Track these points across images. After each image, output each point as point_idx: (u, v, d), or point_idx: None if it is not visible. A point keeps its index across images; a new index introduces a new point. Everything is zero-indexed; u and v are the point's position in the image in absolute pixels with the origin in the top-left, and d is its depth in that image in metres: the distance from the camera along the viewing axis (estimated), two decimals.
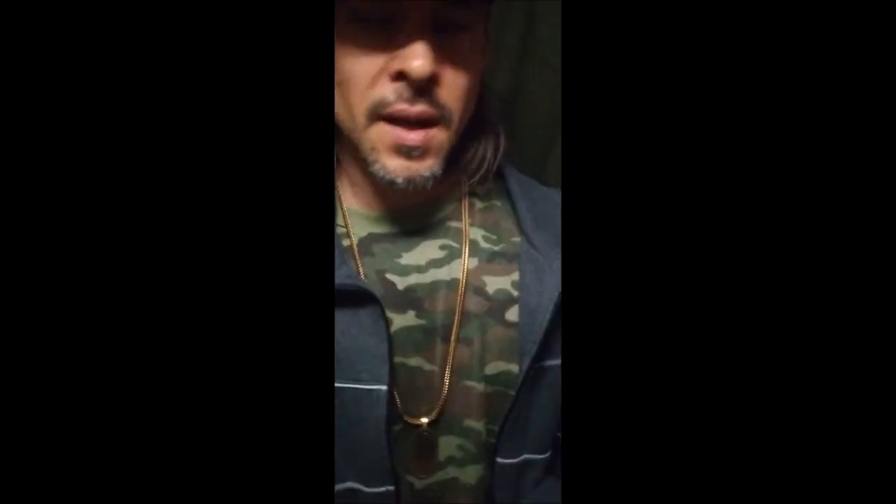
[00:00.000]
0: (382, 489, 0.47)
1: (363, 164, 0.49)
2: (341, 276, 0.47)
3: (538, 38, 1.00)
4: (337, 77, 0.47)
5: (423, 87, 0.44)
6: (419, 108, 0.45)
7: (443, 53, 0.44)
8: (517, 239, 0.52)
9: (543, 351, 0.48)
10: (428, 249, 0.51)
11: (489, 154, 0.52)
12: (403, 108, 0.45)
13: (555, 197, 0.56)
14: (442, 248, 0.51)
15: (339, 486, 0.47)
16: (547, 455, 0.51)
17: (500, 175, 0.55)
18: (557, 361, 0.49)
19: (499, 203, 0.55)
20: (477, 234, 0.52)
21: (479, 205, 0.54)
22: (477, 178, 0.52)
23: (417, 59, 0.42)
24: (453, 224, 0.52)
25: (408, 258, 0.51)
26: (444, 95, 0.46)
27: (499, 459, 0.49)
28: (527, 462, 0.50)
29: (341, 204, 0.53)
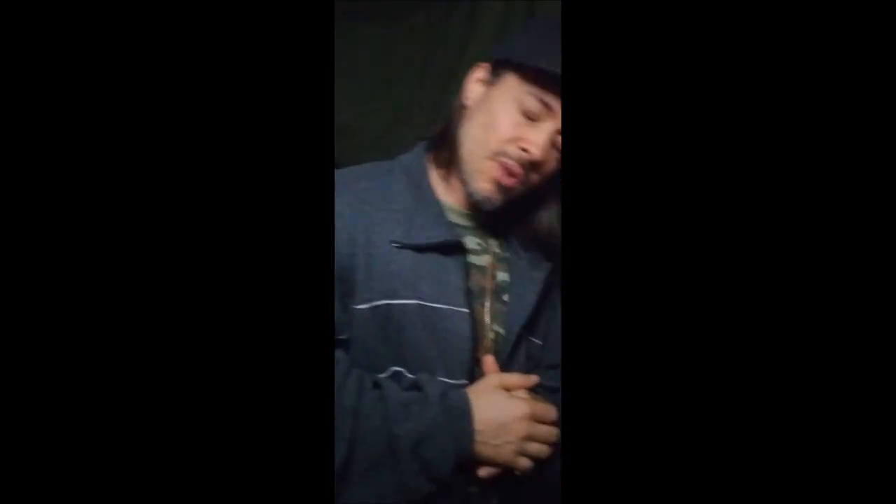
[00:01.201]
0: (462, 381, 0.69)
1: (462, 177, 0.75)
2: (453, 235, 0.73)
3: None
4: (485, 120, 0.73)
5: (532, 164, 0.71)
6: (518, 168, 0.71)
7: (549, 150, 0.71)
8: (507, 254, 0.79)
9: (529, 327, 0.77)
10: (471, 242, 0.77)
11: (540, 231, 0.79)
12: (509, 162, 0.71)
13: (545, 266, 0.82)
14: (478, 244, 0.77)
15: (431, 378, 0.69)
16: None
17: None
18: (536, 340, 0.79)
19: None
20: (495, 242, 0.79)
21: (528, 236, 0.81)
22: (525, 239, 0.80)
23: (539, 147, 0.70)
24: (482, 231, 0.79)
25: (467, 241, 0.76)
26: (534, 174, 0.73)
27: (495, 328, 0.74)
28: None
29: (443, 191, 0.79)
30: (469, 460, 0.66)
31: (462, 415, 0.65)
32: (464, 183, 0.75)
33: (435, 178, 0.79)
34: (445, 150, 0.78)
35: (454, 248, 0.72)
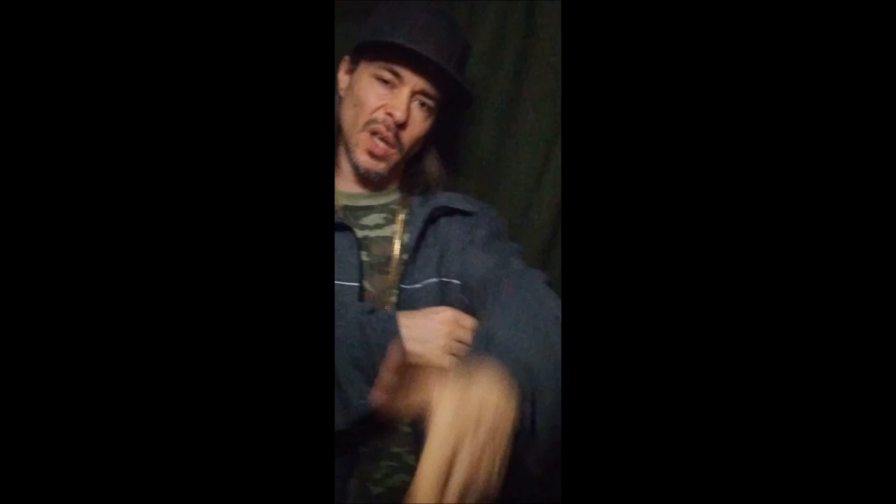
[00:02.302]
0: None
1: (348, 156, 0.85)
2: (337, 217, 0.81)
3: (538, 40, 1.01)
4: (353, 100, 0.83)
5: (398, 126, 0.81)
6: (387, 133, 0.81)
7: (413, 113, 0.81)
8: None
9: (410, 275, 0.81)
10: (376, 218, 0.86)
11: (430, 182, 0.89)
12: (378, 127, 0.81)
13: (450, 194, 0.90)
14: (384, 218, 0.86)
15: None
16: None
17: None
18: (423, 283, 0.82)
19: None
20: (404, 214, 0.87)
21: (408, 196, 0.89)
22: (416, 190, 0.89)
23: (400, 110, 0.79)
24: (393, 206, 0.87)
25: (364, 221, 0.85)
26: (405, 136, 0.82)
27: (402, 286, 0.81)
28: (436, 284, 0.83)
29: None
30: (401, 357, 0.59)
31: (389, 317, 0.73)
32: (350, 162, 0.85)
33: (341, 169, 0.89)
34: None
35: (344, 232, 0.81)
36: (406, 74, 0.79)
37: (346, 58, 0.87)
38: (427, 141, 0.86)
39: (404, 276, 0.82)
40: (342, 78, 0.87)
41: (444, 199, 0.87)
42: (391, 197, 0.88)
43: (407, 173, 0.89)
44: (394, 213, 0.87)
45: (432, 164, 0.89)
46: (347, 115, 0.84)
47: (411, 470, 0.72)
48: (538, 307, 0.67)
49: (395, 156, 0.82)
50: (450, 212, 0.86)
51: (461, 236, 0.85)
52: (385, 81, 0.80)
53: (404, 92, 0.79)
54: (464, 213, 0.86)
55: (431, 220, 0.85)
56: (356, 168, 0.84)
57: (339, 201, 0.87)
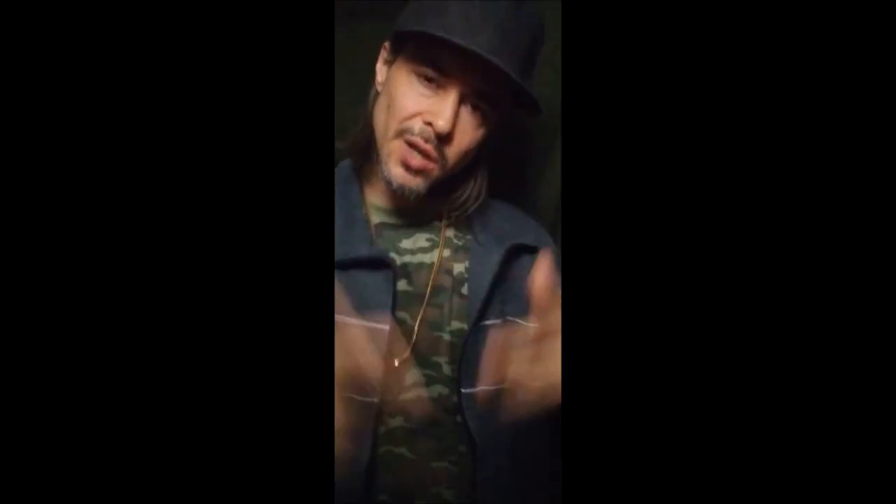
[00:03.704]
0: (370, 399, 0.64)
1: (380, 166, 0.69)
2: (366, 250, 0.67)
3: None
4: (388, 101, 0.67)
5: (439, 138, 0.64)
6: (427, 145, 0.65)
7: (461, 122, 0.64)
8: (469, 236, 0.73)
9: (482, 314, 0.68)
10: (419, 240, 0.72)
11: (468, 203, 0.73)
12: (417, 138, 0.65)
13: (501, 209, 0.77)
14: (427, 240, 0.72)
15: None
16: (498, 388, 0.64)
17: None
18: (493, 321, 0.68)
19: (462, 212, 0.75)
20: (450, 233, 0.73)
21: (455, 212, 0.75)
22: (454, 214, 0.73)
23: (444, 119, 0.62)
24: (436, 223, 0.74)
25: (406, 244, 0.71)
26: (450, 149, 0.66)
27: (462, 390, 0.67)
28: (483, 391, 0.67)
29: (367, 196, 0.73)
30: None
31: None
32: (381, 174, 0.69)
33: (366, 186, 0.74)
34: (364, 148, 0.73)
35: (379, 261, 0.67)
36: (454, 73, 0.64)
37: (386, 45, 0.72)
38: (478, 155, 0.70)
39: (474, 315, 0.68)
40: (379, 69, 0.72)
41: (507, 228, 0.73)
42: (432, 213, 0.74)
43: (451, 192, 0.73)
44: (437, 233, 0.73)
45: (476, 186, 0.73)
46: (380, 118, 0.69)
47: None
48: None
49: (435, 171, 0.67)
50: (521, 248, 0.73)
51: (524, 272, 0.71)
52: (428, 80, 0.65)
53: (451, 95, 0.64)
54: (530, 250, 0.73)
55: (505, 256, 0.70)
56: (388, 183, 0.69)
57: (375, 218, 0.73)
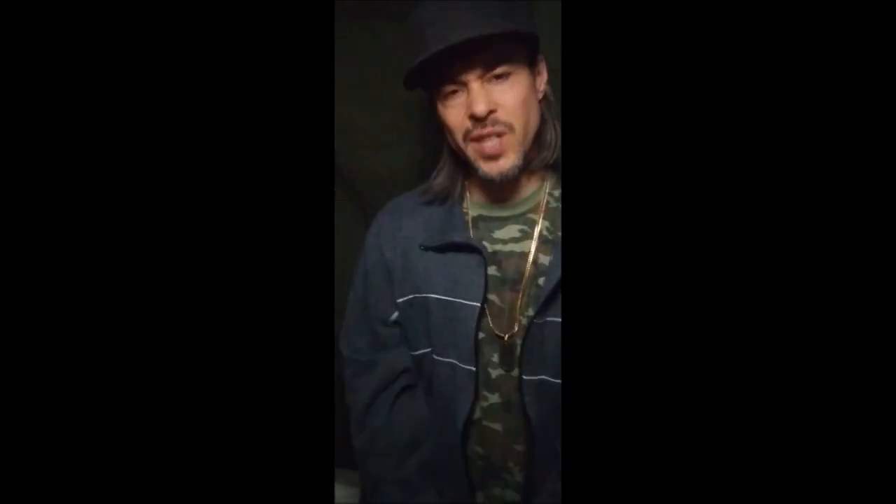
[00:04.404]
0: (470, 367, 0.78)
1: (474, 170, 0.77)
2: (464, 237, 0.79)
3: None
4: (446, 126, 0.77)
5: (487, 117, 0.71)
6: (488, 129, 0.72)
7: (494, 95, 0.72)
8: (559, 232, 0.79)
9: (545, 308, 0.75)
10: (512, 230, 0.80)
11: (551, 145, 0.79)
12: (478, 132, 0.73)
13: None
14: (520, 231, 0.80)
15: (441, 359, 0.80)
16: (559, 381, 0.75)
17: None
18: (555, 318, 0.75)
19: (558, 205, 0.81)
20: (544, 225, 0.80)
21: (551, 204, 0.81)
22: (550, 160, 0.80)
23: (478, 105, 0.70)
24: (531, 216, 0.80)
25: (498, 234, 0.81)
26: (503, 116, 0.72)
27: (524, 377, 0.76)
28: (544, 382, 0.76)
29: (469, 194, 0.85)
30: None
31: None
32: (481, 180, 0.78)
33: (470, 190, 0.85)
34: (452, 154, 0.83)
35: (470, 247, 0.78)
36: (461, 73, 0.71)
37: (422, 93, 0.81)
38: (532, 107, 0.75)
39: (539, 308, 0.75)
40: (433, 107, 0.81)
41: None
42: (528, 205, 0.81)
43: (535, 156, 0.79)
44: (531, 225, 0.80)
45: (549, 133, 0.78)
46: (451, 141, 0.78)
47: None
48: None
49: (512, 139, 0.73)
50: None
51: None
52: (454, 93, 0.73)
53: (473, 87, 0.71)
54: None
55: None
56: (490, 181, 0.75)
57: (473, 211, 0.83)
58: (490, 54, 0.70)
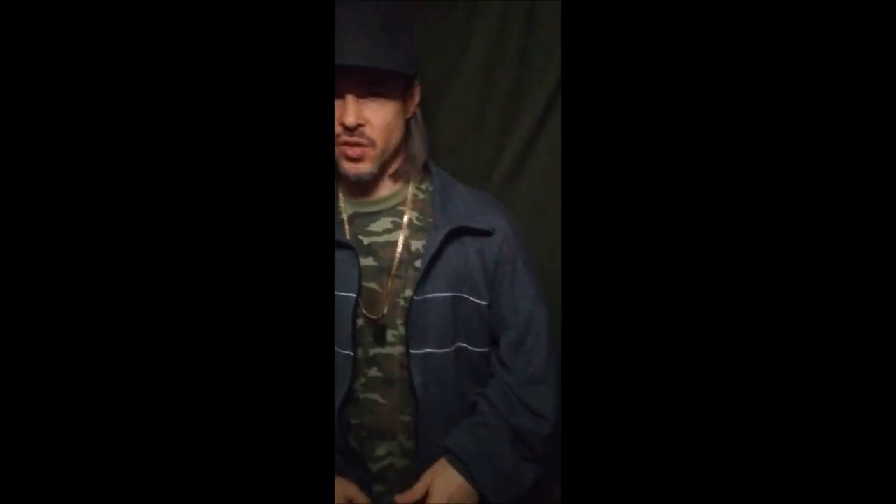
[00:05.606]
0: (347, 352, 0.85)
1: (338, 167, 0.87)
2: (337, 236, 0.86)
3: (538, 40, 1.01)
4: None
5: (355, 129, 0.82)
6: (354, 138, 0.83)
7: (365, 111, 0.82)
8: (430, 220, 0.89)
9: (423, 285, 0.85)
10: (384, 223, 0.89)
11: (418, 154, 0.91)
12: (345, 138, 0.83)
13: (463, 192, 0.92)
14: (392, 222, 0.89)
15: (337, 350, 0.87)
16: (444, 351, 0.86)
17: (432, 176, 0.93)
18: (434, 294, 0.86)
19: (427, 196, 0.92)
20: (412, 215, 0.90)
21: (419, 196, 0.92)
22: (418, 165, 0.90)
23: (349, 117, 0.81)
24: (400, 208, 0.90)
25: (372, 227, 0.89)
26: (368, 131, 0.83)
27: (410, 351, 0.85)
28: (430, 354, 0.86)
29: (342, 194, 0.92)
30: None
31: None
32: (344, 175, 0.87)
33: (343, 189, 0.92)
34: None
35: (342, 244, 0.87)
36: (344, 86, 0.81)
37: None
38: (402, 126, 0.87)
39: (416, 287, 0.84)
40: None
41: (463, 212, 0.88)
42: (396, 199, 0.90)
43: (401, 163, 0.90)
44: (401, 216, 0.89)
45: (417, 146, 0.90)
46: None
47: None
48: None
49: (372, 151, 0.83)
50: (473, 231, 0.87)
51: (483, 255, 0.87)
52: (338, 97, 0.82)
53: (348, 99, 0.81)
54: (485, 234, 0.87)
55: (451, 235, 0.86)
56: (349, 178, 0.86)
57: (348, 210, 0.90)
58: (370, 78, 0.81)
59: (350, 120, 0.81)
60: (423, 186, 0.92)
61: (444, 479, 0.85)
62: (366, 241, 0.88)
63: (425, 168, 0.91)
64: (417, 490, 0.84)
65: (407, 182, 0.90)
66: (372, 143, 0.83)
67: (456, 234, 0.86)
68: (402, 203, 0.90)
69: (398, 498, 0.85)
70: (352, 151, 0.83)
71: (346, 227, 0.90)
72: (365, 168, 0.84)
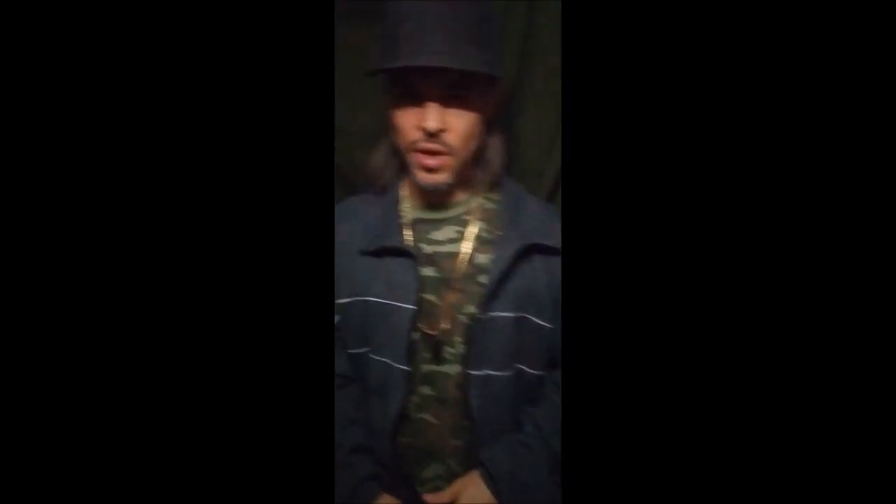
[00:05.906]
0: (403, 367, 0.80)
1: (413, 179, 0.82)
2: (396, 242, 0.82)
3: (538, 40, 1.00)
4: (395, 126, 0.80)
5: (437, 135, 0.76)
6: (435, 145, 0.77)
7: (448, 116, 0.76)
8: (500, 232, 0.84)
9: (489, 304, 0.80)
10: (448, 232, 0.84)
11: (491, 175, 0.85)
12: (425, 145, 0.77)
13: (533, 205, 0.87)
14: (457, 232, 0.84)
15: (377, 358, 0.82)
16: (504, 374, 0.81)
17: (502, 186, 0.88)
18: (499, 313, 0.80)
19: (496, 207, 0.86)
20: (478, 226, 0.84)
21: (486, 206, 0.86)
22: (490, 179, 0.86)
23: (431, 121, 0.75)
24: (465, 218, 0.85)
25: (435, 235, 0.84)
26: (450, 138, 0.77)
27: (470, 371, 0.80)
28: (489, 377, 0.81)
29: (407, 197, 0.88)
30: None
31: None
32: (416, 185, 0.83)
33: (404, 187, 0.88)
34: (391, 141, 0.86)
35: (403, 251, 0.82)
36: (424, 88, 0.75)
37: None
38: (483, 132, 0.81)
39: (482, 304, 0.79)
40: (383, 98, 0.83)
41: (535, 227, 0.82)
42: (462, 208, 0.85)
43: (475, 173, 0.85)
44: (465, 225, 0.84)
45: (494, 154, 0.84)
46: (398, 141, 0.82)
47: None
48: None
49: (451, 160, 0.78)
50: (543, 249, 0.82)
51: (553, 274, 0.82)
52: (410, 99, 0.76)
53: (430, 103, 0.75)
54: (557, 252, 0.81)
55: (523, 253, 0.81)
56: (423, 189, 0.81)
57: (411, 215, 0.86)
58: (454, 79, 0.74)
59: (432, 125, 0.74)
60: (492, 196, 0.86)
61: (472, 494, 0.80)
62: (428, 249, 0.83)
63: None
64: (444, 496, 0.81)
65: (476, 191, 0.85)
66: (451, 152, 0.77)
67: (526, 250, 0.81)
68: (469, 212, 0.85)
69: (428, 497, 0.82)
70: (430, 161, 0.77)
71: (406, 232, 0.84)
72: (442, 178, 0.79)
